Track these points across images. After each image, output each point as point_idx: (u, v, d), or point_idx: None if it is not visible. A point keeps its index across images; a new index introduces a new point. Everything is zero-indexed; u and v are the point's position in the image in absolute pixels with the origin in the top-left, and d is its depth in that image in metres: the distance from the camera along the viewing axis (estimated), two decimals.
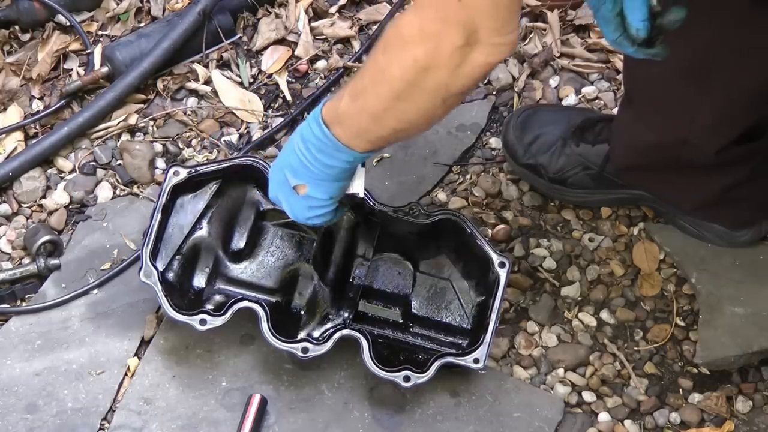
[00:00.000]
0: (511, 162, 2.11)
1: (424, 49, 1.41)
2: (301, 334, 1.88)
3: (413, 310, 1.95)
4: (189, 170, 1.89)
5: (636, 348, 1.97)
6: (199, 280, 1.93)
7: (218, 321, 1.82)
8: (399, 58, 1.45)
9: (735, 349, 1.89)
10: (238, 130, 2.21)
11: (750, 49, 1.67)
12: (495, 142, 2.18)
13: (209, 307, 1.89)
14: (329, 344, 1.81)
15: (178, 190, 1.90)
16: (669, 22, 1.48)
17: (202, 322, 1.82)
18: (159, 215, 1.86)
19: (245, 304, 1.82)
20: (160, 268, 1.86)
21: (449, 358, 1.82)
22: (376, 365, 1.79)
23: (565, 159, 2.03)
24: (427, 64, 1.42)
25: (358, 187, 1.71)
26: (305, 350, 1.81)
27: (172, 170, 1.89)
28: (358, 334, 1.81)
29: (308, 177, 1.64)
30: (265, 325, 1.80)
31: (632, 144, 1.93)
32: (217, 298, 1.92)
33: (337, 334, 1.82)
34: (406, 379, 1.80)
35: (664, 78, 1.74)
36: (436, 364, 1.80)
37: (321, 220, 1.71)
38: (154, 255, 1.85)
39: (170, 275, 1.90)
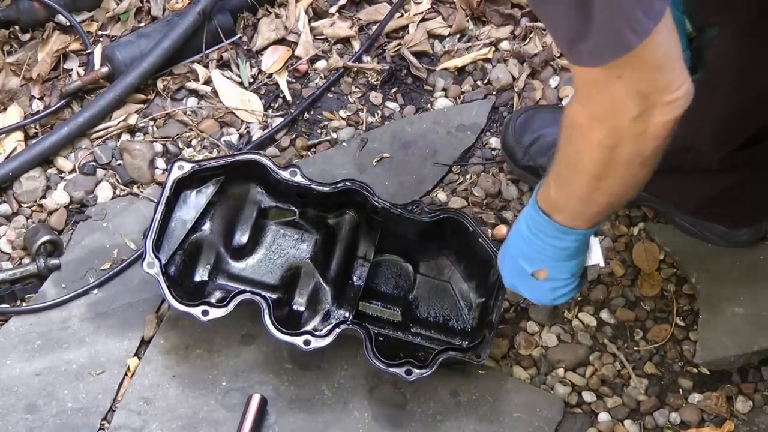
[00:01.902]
0: (510, 164, 2.11)
1: (605, 131, 1.39)
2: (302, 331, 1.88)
3: (413, 311, 1.95)
4: (193, 165, 1.90)
5: (636, 348, 1.97)
6: (201, 276, 1.93)
7: (220, 312, 1.81)
8: (584, 146, 1.44)
9: (735, 349, 1.89)
10: (238, 130, 2.21)
11: (757, 61, 1.67)
12: (495, 142, 2.18)
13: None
14: (331, 337, 1.81)
15: (182, 184, 1.90)
16: (706, 41, 1.49)
17: (205, 312, 1.81)
18: (163, 207, 1.86)
19: (248, 296, 1.82)
20: (163, 262, 1.86)
21: (451, 353, 1.81)
22: (377, 358, 1.79)
23: None
24: (613, 143, 1.40)
25: (597, 258, 1.68)
26: (307, 342, 1.81)
27: (176, 164, 1.89)
28: (359, 329, 1.81)
29: (545, 261, 1.64)
30: (267, 317, 1.80)
31: None
32: (218, 294, 1.92)
33: (339, 328, 1.81)
34: (408, 372, 1.79)
35: None
36: (439, 358, 1.80)
37: (567, 298, 1.70)
38: (156, 248, 1.85)
39: (172, 270, 1.90)
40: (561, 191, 1.55)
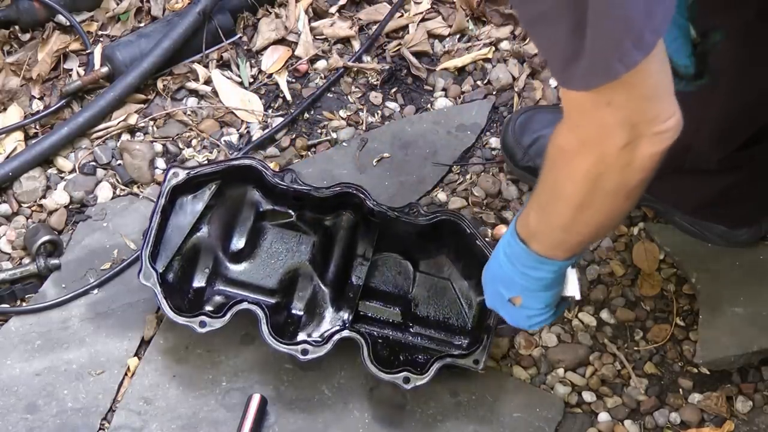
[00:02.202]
0: (510, 164, 2.11)
1: (591, 159, 1.36)
2: (301, 335, 1.89)
3: (413, 310, 1.95)
4: (188, 171, 1.89)
5: (636, 348, 1.97)
6: (199, 281, 1.93)
7: (217, 323, 1.82)
8: (568, 173, 1.41)
9: (735, 349, 1.89)
10: (238, 130, 2.21)
11: (756, 61, 1.67)
12: (495, 142, 2.18)
13: (209, 308, 1.89)
14: (329, 346, 1.82)
15: (178, 191, 1.90)
16: (710, 46, 1.48)
17: (202, 324, 1.82)
18: (158, 217, 1.86)
19: (245, 306, 1.82)
20: (160, 270, 1.86)
21: (449, 360, 1.82)
22: (375, 367, 1.79)
23: None
24: (598, 171, 1.37)
25: (573, 290, 1.66)
26: (305, 352, 1.81)
27: (171, 171, 1.89)
28: (357, 336, 1.81)
29: (521, 290, 1.62)
30: (264, 327, 1.80)
31: None
32: (217, 299, 1.92)
33: (337, 336, 1.82)
34: (406, 380, 1.80)
35: None
36: (436, 365, 1.80)
37: (543, 324, 1.68)
38: (153, 256, 1.85)
39: (170, 276, 1.90)
40: (541, 219, 1.52)
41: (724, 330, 1.91)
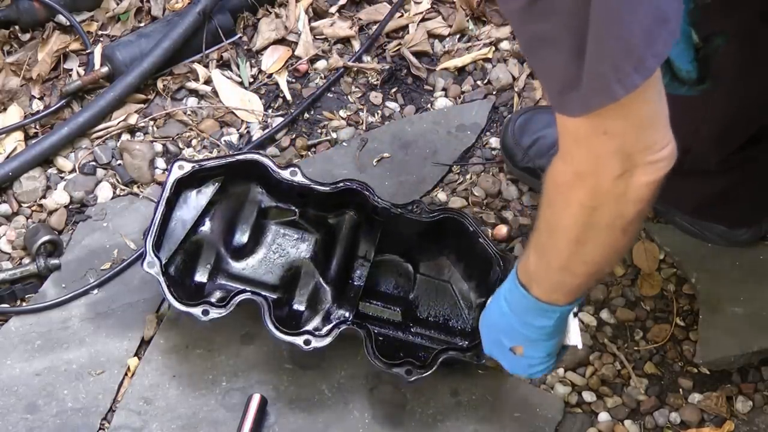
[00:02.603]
0: (509, 165, 2.11)
1: (586, 191, 1.35)
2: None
3: (413, 311, 1.95)
4: (194, 164, 1.90)
5: (636, 348, 1.97)
6: (201, 276, 1.93)
7: (220, 312, 1.81)
8: (564, 207, 1.40)
9: (735, 349, 1.89)
10: (238, 130, 2.21)
11: (755, 63, 1.67)
12: (495, 142, 2.18)
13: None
14: (331, 337, 1.81)
15: (182, 184, 1.90)
16: (713, 50, 1.48)
17: (205, 312, 1.81)
18: (163, 206, 1.86)
19: (248, 295, 1.82)
20: (163, 261, 1.85)
21: (452, 353, 1.81)
22: (378, 358, 1.79)
23: None
24: (594, 203, 1.36)
25: (575, 339, 1.64)
26: (307, 342, 1.81)
27: (176, 164, 1.89)
28: (359, 329, 1.81)
29: (523, 339, 1.61)
30: (267, 316, 1.80)
31: None
32: (218, 293, 1.92)
33: (339, 328, 1.81)
34: (409, 372, 1.79)
35: None
36: (440, 358, 1.80)
37: (543, 372, 1.67)
38: (157, 247, 1.85)
39: (172, 269, 1.90)
40: (540, 261, 1.51)
41: (724, 330, 1.91)
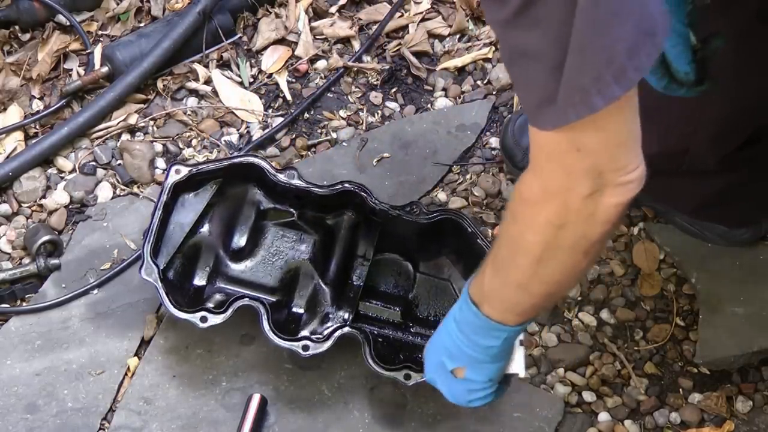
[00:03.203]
0: (509, 165, 2.11)
1: (554, 207, 1.33)
2: (302, 333, 1.88)
3: (413, 310, 1.95)
4: (190, 168, 1.90)
5: (636, 348, 1.97)
6: (200, 279, 1.93)
7: (219, 318, 1.82)
8: (530, 223, 1.37)
9: (735, 349, 1.89)
10: (238, 130, 2.21)
11: (754, 63, 1.67)
12: (495, 142, 2.18)
13: (210, 305, 1.89)
14: (330, 342, 1.81)
15: (180, 188, 1.90)
16: (711, 52, 1.47)
17: (203, 319, 1.81)
18: (160, 212, 1.86)
19: (246, 301, 1.82)
20: (161, 266, 1.86)
21: None
22: (376, 363, 1.79)
23: None
24: (561, 221, 1.34)
25: (518, 368, 1.65)
26: (306, 348, 1.81)
27: (173, 168, 1.89)
28: (358, 333, 1.81)
29: (466, 360, 1.59)
30: (265, 322, 1.80)
31: None
32: (218, 296, 1.92)
33: (338, 333, 1.82)
34: (407, 377, 1.80)
35: None
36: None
37: (482, 402, 1.65)
38: (155, 253, 1.85)
39: (171, 274, 1.90)
40: (496, 277, 1.49)
41: (724, 330, 1.91)
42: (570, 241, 1.37)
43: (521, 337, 1.63)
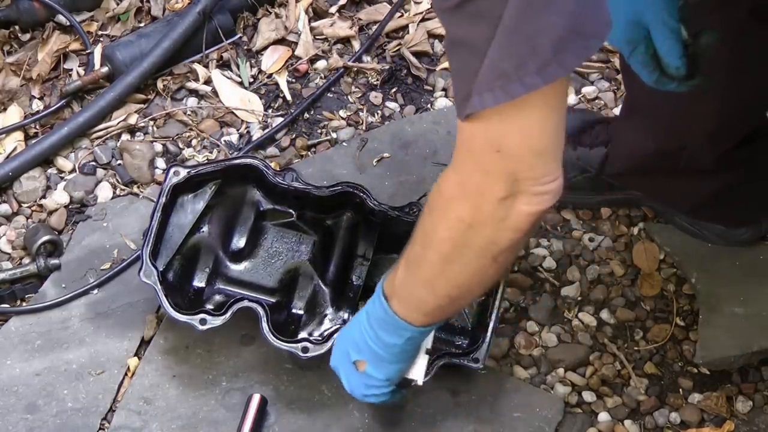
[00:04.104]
0: None
1: (467, 206, 1.34)
2: (302, 334, 1.89)
3: None
4: (189, 170, 1.90)
5: (636, 348, 1.97)
6: (199, 280, 1.93)
7: (218, 321, 1.82)
8: (443, 218, 1.38)
9: (735, 349, 1.89)
10: (238, 130, 2.21)
11: (747, 60, 1.67)
12: None
13: (209, 306, 1.89)
14: (329, 343, 1.81)
15: (178, 189, 1.90)
16: (702, 47, 1.47)
17: (203, 321, 1.82)
18: (159, 215, 1.86)
19: (245, 303, 1.82)
20: (161, 268, 1.86)
21: (449, 358, 1.82)
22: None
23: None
24: (472, 221, 1.34)
25: (417, 374, 1.67)
26: (305, 349, 1.81)
27: (172, 170, 1.89)
28: None
29: (369, 354, 1.60)
30: (265, 324, 1.80)
31: (631, 152, 1.93)
32: (217, 298, 1.92)
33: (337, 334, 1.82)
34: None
35: None
36: (438, 363, 1.80)
37: (377, 400, 1.67)
38: (154, 255, 1.85)
39: (170, 275, 1.90)
40: (407, 272, 1.50)
41: (724, 330, 1.91)
42: (479, 243, 1.37)
43: (428, 345, 1.66)
